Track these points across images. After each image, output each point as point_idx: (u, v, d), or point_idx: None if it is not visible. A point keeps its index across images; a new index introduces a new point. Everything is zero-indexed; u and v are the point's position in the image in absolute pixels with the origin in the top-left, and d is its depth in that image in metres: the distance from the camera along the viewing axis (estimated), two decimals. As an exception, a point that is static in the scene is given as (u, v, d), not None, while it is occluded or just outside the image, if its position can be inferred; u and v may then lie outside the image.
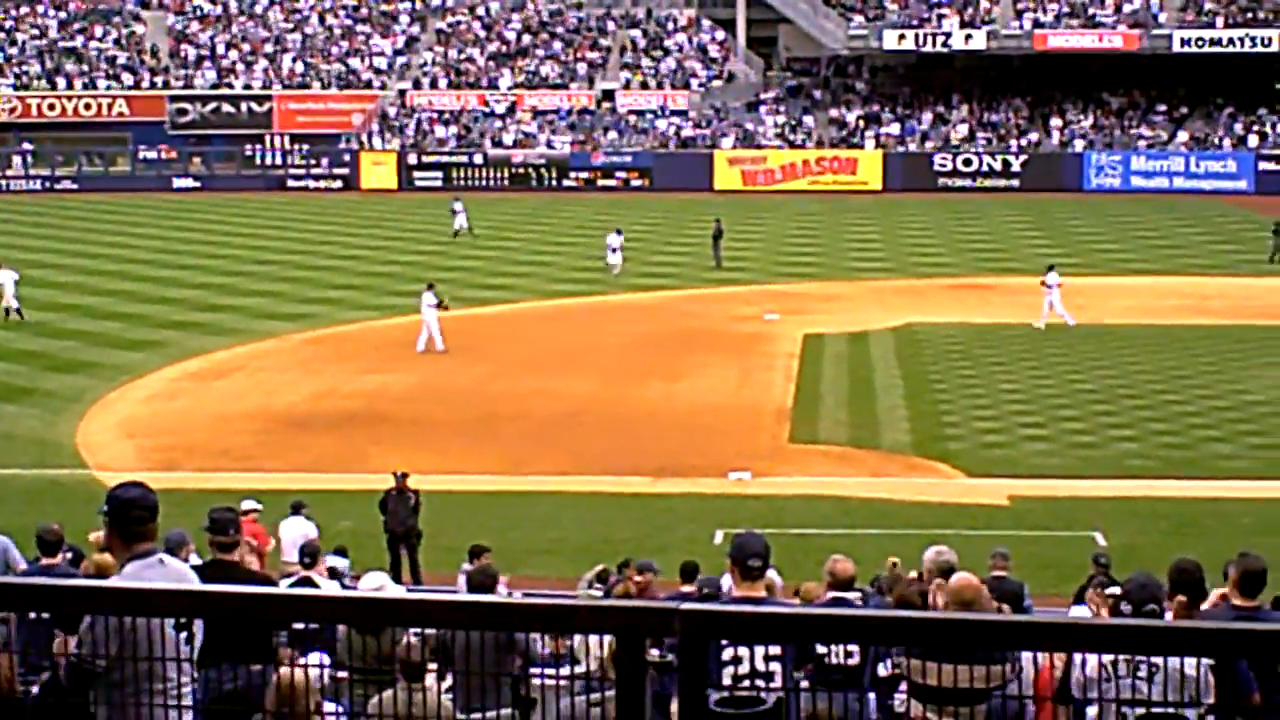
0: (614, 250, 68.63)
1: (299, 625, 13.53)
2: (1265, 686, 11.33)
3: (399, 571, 30.55)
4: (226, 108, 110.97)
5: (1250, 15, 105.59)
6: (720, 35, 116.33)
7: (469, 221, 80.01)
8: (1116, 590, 18.00)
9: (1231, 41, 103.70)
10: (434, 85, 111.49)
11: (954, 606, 12.48)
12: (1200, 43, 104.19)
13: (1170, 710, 10.37)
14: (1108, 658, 10.43)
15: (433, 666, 13.54)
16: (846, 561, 15.93)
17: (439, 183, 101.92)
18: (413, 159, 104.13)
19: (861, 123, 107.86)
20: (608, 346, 54.25)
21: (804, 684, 12.92)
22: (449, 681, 13.87)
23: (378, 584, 18.38)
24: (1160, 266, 71.31)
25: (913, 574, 19.91)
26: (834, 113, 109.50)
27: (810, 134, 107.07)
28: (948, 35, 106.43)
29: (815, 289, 65.38)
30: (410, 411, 45.46)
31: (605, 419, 44.85)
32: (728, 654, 11.11)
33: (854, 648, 13.52)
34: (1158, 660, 10.20)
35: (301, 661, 11.95)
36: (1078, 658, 10.79)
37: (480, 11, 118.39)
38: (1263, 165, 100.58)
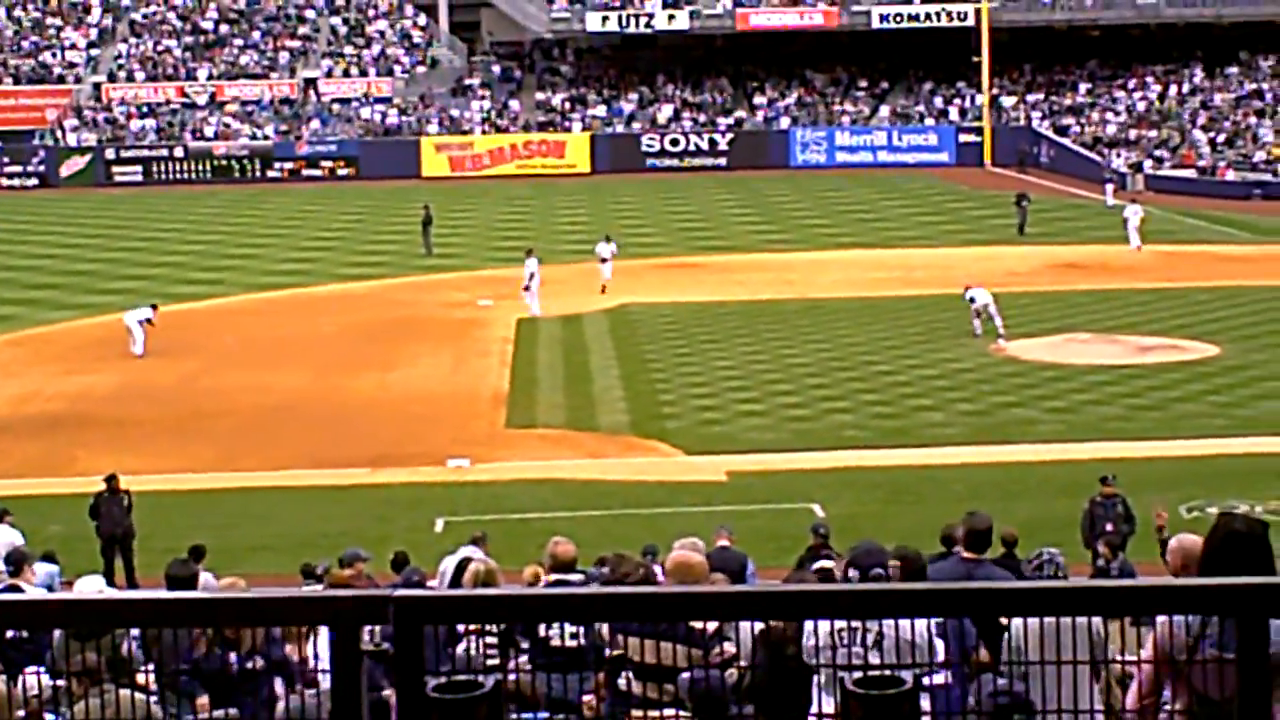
0: (604, 261, 61.48)
1: (9, 634, 12.98)
2: (990, 641, 11.40)
3: (113, 576, 29.74)
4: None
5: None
6: (422, 20, 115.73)
7: None
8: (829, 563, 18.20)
9: (929, 17, 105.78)
10: (130, 78, 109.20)
11: (674, 582, 12.39)
12: (899, 19, 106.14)
13: (887, 673, 10.32)
14: (838, 624, 10.38)
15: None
16: (566, 543, 15.76)
17: (139, 178, 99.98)
18: (111, 154, 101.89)
19: (568, 105, 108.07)
20: (320, 338, 53.54)
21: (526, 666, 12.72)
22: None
23: (94, 588, 17.81)
24: (867, 240, 72.43)
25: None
26: (540, 96, 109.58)
27: (516, 118, 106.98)
28: (650, 16, 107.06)
29: (527, 273, 65.24)
30: (117, 412, 44.34)
31: (320, 411, 44.20)
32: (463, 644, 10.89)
33: (579, 629, 13.34)
34: (884, 627, 10.18)
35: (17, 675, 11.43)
36: (809, 626, 10.74)
37: (176, 2, 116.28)
38: (963, 138, 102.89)
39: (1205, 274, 61.51)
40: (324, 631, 4.99)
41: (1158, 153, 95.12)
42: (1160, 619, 8.81)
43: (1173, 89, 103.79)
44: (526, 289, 56.51)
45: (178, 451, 40.22)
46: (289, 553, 30.21)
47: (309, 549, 28.11)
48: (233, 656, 13.71)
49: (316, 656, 12.70)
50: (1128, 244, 67.63)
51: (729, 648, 11.82)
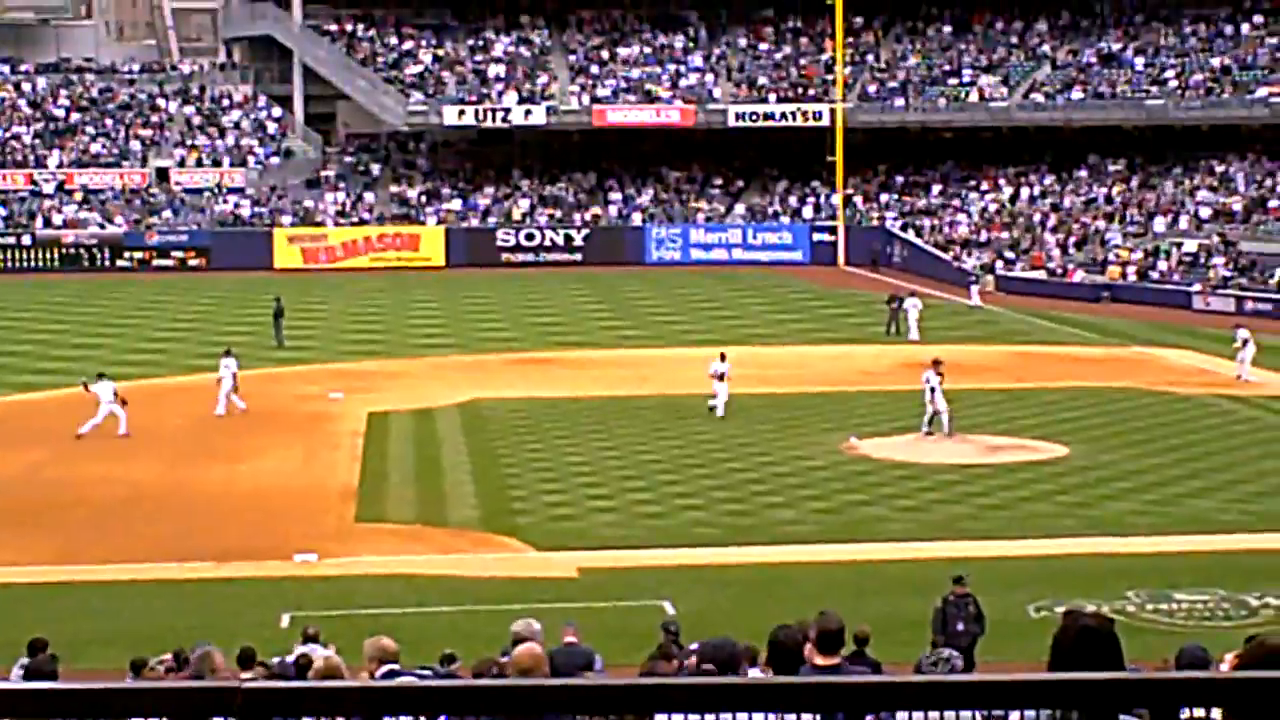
0: (720, 379, 54.49)
1: None
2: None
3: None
4: None
5: (801, 90, 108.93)
6: (278, 112, 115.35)
7: None
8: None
9: (784, 116, 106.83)
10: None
11: (515, 675, 12.22)
12: (754, 117, 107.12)
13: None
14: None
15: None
16: (378, 639, 15.69)
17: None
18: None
19: (423, 199, 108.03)
20: (168, 430, 52.87)
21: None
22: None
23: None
24: (721, 337, 72.52)
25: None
26: (395, 189, 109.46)
27: (371, 210, 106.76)
28: (507, 111, 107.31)
29: (379, 366, 64.89)
30: (-43, 502, 43.45)
31: (167, 504, 43.55)
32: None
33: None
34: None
35: None
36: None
37: (26, 88, 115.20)
38: (817, 236, 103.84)
39: (1055, 375, 62.25)
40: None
41: (1008, 254, 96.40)
42: (1014, 715, 8.71)
43: (1024, 191, 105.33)
44: (235, 390, 55.47)
45: (19, 544, 39.43)
46: (129, 648, 29.53)
47: (151, 643, 27.52)
48: None
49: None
50: (907, 337, 70.08)
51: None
